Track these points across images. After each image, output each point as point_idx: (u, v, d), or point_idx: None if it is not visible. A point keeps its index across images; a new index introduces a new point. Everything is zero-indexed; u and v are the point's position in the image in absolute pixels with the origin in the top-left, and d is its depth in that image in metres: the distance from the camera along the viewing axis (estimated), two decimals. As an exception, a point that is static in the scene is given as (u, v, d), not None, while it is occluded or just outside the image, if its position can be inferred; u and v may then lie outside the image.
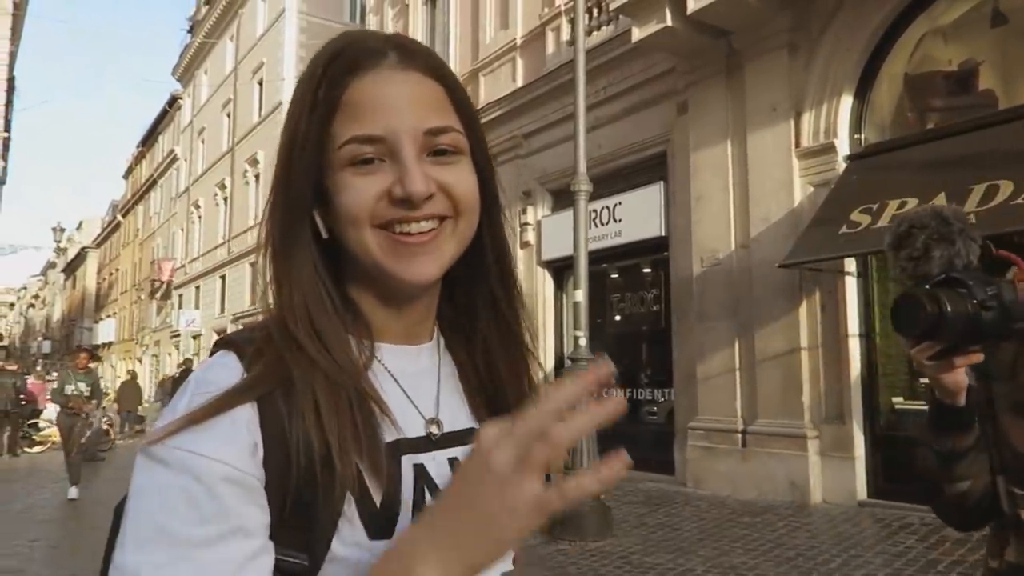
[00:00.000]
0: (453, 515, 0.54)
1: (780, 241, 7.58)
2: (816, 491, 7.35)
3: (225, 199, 29.90)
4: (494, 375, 0.79)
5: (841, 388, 7.34)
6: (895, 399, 7.33)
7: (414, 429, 0.71)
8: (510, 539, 0.53)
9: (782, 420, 7.67)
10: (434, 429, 0.73)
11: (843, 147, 7.52)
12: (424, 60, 0.71)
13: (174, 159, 38.55)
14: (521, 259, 11.50)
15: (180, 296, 34.74)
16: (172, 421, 0.61)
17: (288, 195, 0.70)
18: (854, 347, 7.29)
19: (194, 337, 30.57)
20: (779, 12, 7.74)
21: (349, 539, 0.64)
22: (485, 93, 12.56)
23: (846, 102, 7.52)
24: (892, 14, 7.26)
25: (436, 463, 0.71)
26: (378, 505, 0.65)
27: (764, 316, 7.90)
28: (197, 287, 31.91)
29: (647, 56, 9.20)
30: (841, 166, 7.48)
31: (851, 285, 7.38)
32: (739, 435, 8.08)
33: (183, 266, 35.02)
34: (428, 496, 0.69)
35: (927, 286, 1.12)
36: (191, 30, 35.69)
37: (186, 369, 19.83)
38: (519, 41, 12.02)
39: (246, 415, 0.62)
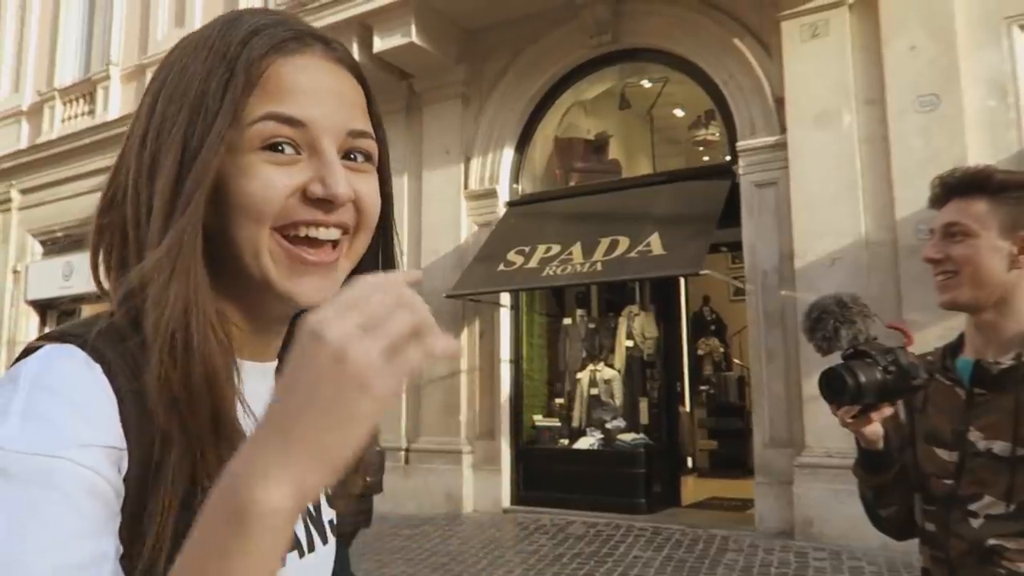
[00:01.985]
0: (290, 411, 0.46)
1: (448, 273, 8.29)
2: (468, 501, 8.11)
3: None
4: None
5: (493, 407, 8.22)
6: (536, 417, 8.43)
7: None
8: (363, 424, 0.47)
9: (442, 437, 8.33)
10: None
11: (504, 193, 8.51)
12: (348, 57, 0.66)
13: None
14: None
15: None
16: (7, 420, 0.50)
17: (187, 175, 0.58)
18: (505, 371, 8.23)
19: None
20: (455, 65, 8.53)
21: None
22: (153, 93, 11.70)
23: (507, 154, 8.53)
24: (547, 84, 8.43)
25: None
26: None
27: (430, 341, 8.51)
28: None
29: (332, 84, 9.42)
30: (502, 210, 8.45)
31: (505, 316, 8.33)
32: (403, 453, 8.57)
33: None
34: None
35: (842, 361, 1.37)
36: None
37: None
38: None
39: (110, 411, 0.54)
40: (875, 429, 1.41)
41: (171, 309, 0.55)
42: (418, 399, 8.57)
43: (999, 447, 1.39)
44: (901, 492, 1.53)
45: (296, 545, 0.64)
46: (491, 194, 8.45)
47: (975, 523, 1.41)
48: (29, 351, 0.57)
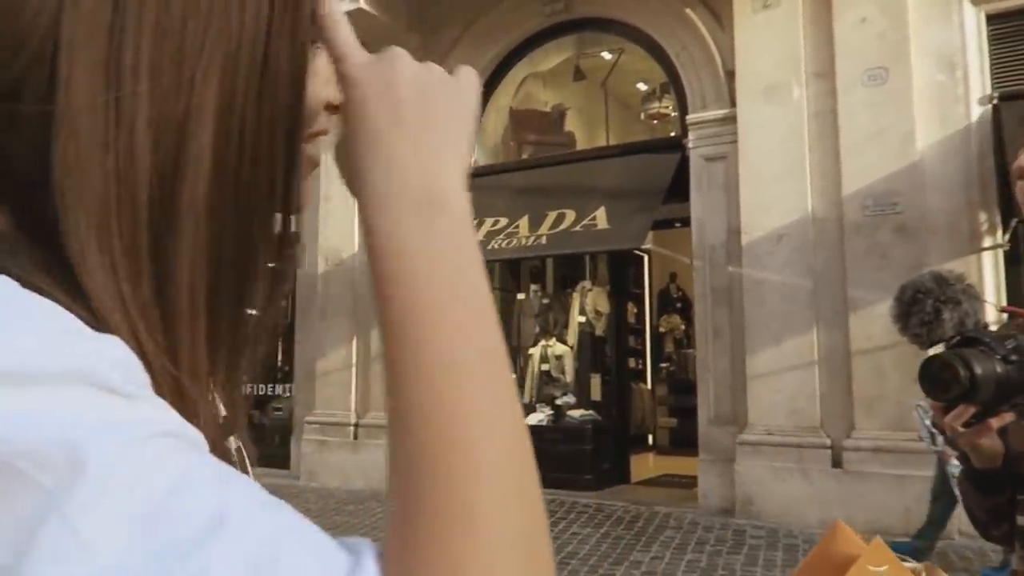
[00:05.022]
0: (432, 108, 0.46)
1: (398, 246, 8.13)
2: (416, 477, 8.03)
3: None
4: None
5: (441, 383, 8.11)
6: (486, 393, 8.35)
7: None
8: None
9: (390, 413, 8.21)
10: None
11: (456, 166, 8.34)
12: None
13: None
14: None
15: None
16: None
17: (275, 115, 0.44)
18: (454, 346, 8.12)
19: None
20: (406, 33, 8.31)
21: None
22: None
23: (460, 126, 8.35)
24: (501, 54, 8.24)
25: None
26: None
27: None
28: None
29: (284, 52, 9.18)
30: (453, 183, 8.28)
31: (455, 291, 8.20)
32: (352, 428, 8.48)
33: None
34: None
35: (949, 348, 1.07)
36: None
37: None
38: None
39: None
40: (994, 442, 1.11)
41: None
42: (367, 374, 8.46)
43: None
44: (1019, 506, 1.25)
45: None
46: (443, 166, 8.28)
47: None
48: None
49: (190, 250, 0.40)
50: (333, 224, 8.84)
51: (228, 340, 0.45)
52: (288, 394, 9.84)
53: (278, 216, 0.46)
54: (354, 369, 8.57)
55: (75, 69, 0.37)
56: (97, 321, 0.37)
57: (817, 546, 1.27)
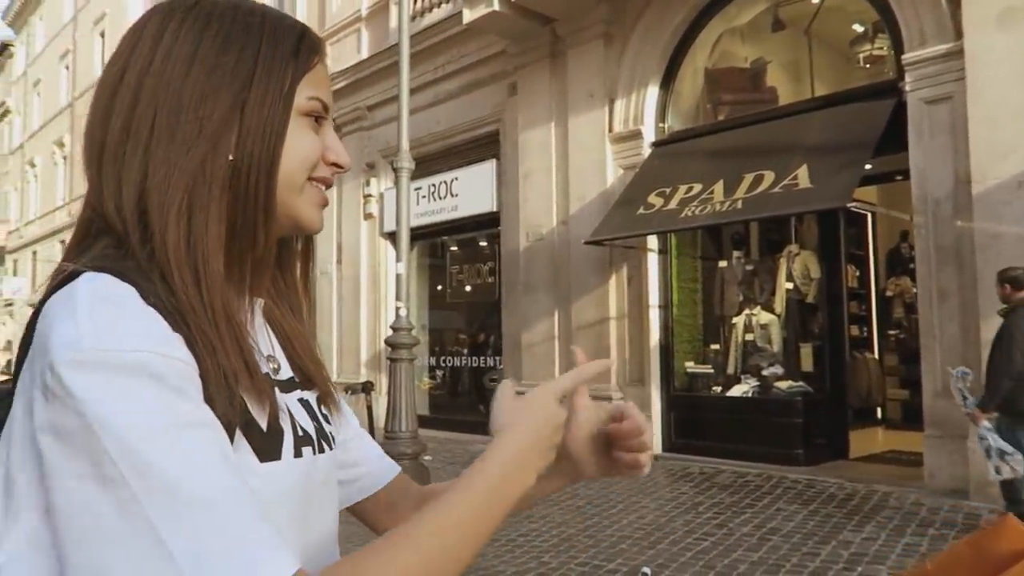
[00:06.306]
0: (532, 430, 0.73)
1: (594, 219, 8.17)
2: (620, 447, 8.07)
3: (64, 158, 27.94)
4: (291, 340, 0.84)
5: (642, 354, 8.07)
6: (687, 363, 8.16)
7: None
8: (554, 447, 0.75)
9: (593, 383, 8.28)
10: (274, 365, 0.78)
11: (649, 134, 8.18)
12: None
13: (6, 112, 35.45)
14: (364, 230, 11.68)
15: (15, 261, 32.33)
16: (91, 328, 0.57)
17: (247, 123, 0.70)
18: (654, 317, 8.03)
19: (31, 306, 28.56)
20: (597, 4, 8.26)
21: (239, 464, 0.63)
22: (331, 63, 12.48)
23: (652, 92, 8.16)
24: (693, 12, 7.91)
25: (293, 403, 0.77)
26: (264, 428, 0.68)
27: (580, 288, 8.52)
28: (34, 252, 29.77)
29: (480, 37, 9.52)
30: (647, 151, 8.14)
31: (652, 260, 8.09)
32: (556, 398, 8.68)
33: (17, 229, 32.54)
34: (299, 427, 0.75)
35: None
36: (24, -28, 32.76)
37: None
38: (364, 12, 12.04)
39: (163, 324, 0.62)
40: None
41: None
42: (569, 345, 8.60)
43: None
44: None
45: (310, 442, 0.76)
46: (635, 135, 8.16)
47: None
48: (60, 281, 0.63)
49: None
50: (533, 201, 9.07)
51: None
52: (500, 365, 10.31)
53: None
54: (556, 341, 8.77)
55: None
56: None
57: (973, 536, 1.11)
